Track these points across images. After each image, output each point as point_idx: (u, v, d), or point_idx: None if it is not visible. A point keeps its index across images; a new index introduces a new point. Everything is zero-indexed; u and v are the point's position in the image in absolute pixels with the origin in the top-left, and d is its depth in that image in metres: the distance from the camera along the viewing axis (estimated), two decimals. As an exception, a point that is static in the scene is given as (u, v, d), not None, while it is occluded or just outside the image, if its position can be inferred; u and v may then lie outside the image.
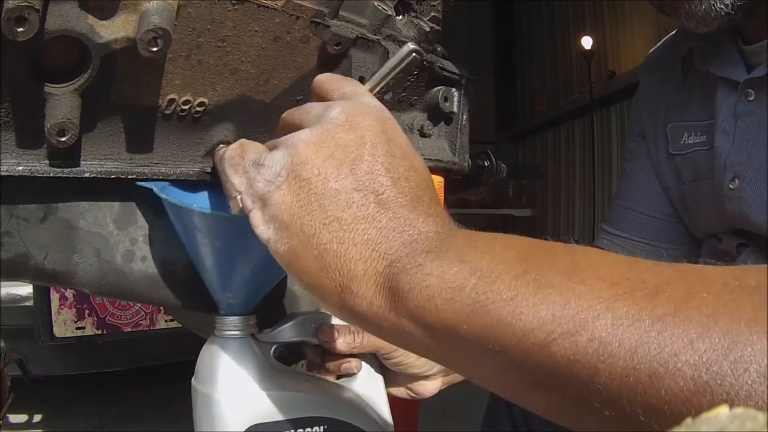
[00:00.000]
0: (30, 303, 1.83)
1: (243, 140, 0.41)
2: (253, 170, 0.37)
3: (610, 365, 0.26)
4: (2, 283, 1.84)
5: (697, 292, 0.26)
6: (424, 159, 0.60)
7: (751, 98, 0.70)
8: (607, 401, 0.26)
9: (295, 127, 0.39)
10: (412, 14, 0.56)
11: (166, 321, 1.91)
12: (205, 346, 0.47)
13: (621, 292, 0.27)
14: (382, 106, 0.39)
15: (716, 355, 0.24)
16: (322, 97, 0.41)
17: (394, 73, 0.43)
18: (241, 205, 0.37)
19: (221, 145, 0.46)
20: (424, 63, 0.56)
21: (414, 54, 0.42)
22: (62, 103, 0.37)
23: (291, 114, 0.41)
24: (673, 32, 0.88)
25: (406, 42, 0.45)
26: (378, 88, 0.43)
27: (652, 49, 0.93)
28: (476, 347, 0.30)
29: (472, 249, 0.32)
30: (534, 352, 0.28)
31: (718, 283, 0.26)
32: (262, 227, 0.36)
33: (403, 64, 0.43)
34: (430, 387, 0.58)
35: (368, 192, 0.35)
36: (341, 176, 0.35)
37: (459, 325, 0.30)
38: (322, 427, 0.47)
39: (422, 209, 0.35)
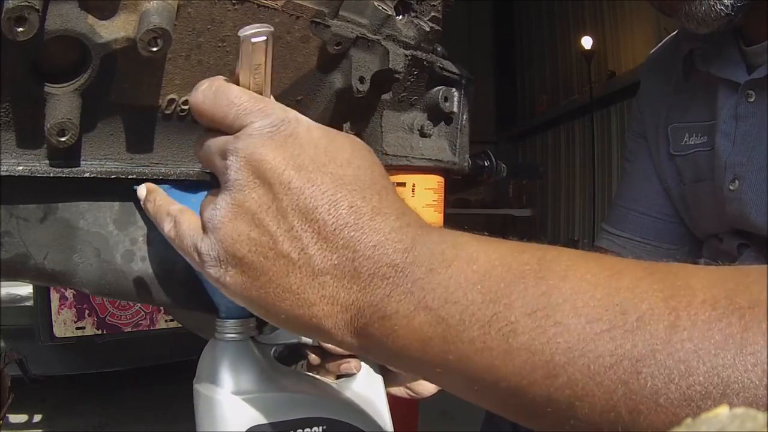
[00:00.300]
0: (30, 303, 1.83)
1: (175, 215, 0.38)
2: (197, 257, 0.35)
3: (588, 404, 0.26)
4: (2, 283, 1.84)
5: (682, 322, 0.25)
6: (424, 159, 0.60)
7: (752, 99, 0.70)
8: (588, 430, 0.26)
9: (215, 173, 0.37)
10: (412, 14, 0.55)
11: (166, 321, 1.91)
12: (205, 348, 0.47)
13: (599, 331, 0.26)
14: (273, 119, 0.34)
15: (699, 391, 0.24)
16: (210, 128, 0.37)
17: (253, 66, 0.37)
18: None
19: (140, 188, 0.42)
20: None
21: (252, 41, 0.36)
22: (62, 103, 0.37)
23: (200, 156, 0.38)
24: (674, 33, 0.88)
25: (406, 42, 0.41)
26: (251, 87, 0.37)
27: (653, 50, 0.93)
28: (455, 383, 0.31)
29: (435, 286, 0.30)
30: (511, 394, 0.28)
31: (707, 307, 0.25)
32: (233, 300, 0.36)
33: (250, 56, 0.37)
34: (429, 387, 0.58)
35: (303, 247, 0.32)
36: (270, 242, 0.33)
37: (435, 369, 0.31)
38: (321, 428, 0.47)
39: (366, 238, 0.32)
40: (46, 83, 0.37)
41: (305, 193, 0.32)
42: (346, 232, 0.32)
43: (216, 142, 0.36)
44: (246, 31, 0.36)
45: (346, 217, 0.32)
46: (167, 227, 0.38)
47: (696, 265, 0.28)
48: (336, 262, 0.32)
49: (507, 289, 0.28)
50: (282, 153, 0.33)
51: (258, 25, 0.37)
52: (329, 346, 0.51)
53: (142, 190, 0.41)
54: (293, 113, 0.36)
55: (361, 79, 0.51)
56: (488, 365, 0.28)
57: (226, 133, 0.36)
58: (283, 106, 0.36)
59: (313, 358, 0.54)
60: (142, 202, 0.41)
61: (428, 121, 0.61)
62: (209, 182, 0.48)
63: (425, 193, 0.61)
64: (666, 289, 0.26)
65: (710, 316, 0.25)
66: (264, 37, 0.36)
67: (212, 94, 0.36)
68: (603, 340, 0.26)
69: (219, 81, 0.37)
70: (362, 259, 0.31)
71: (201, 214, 0.36)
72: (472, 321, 0.28)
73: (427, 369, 0.31)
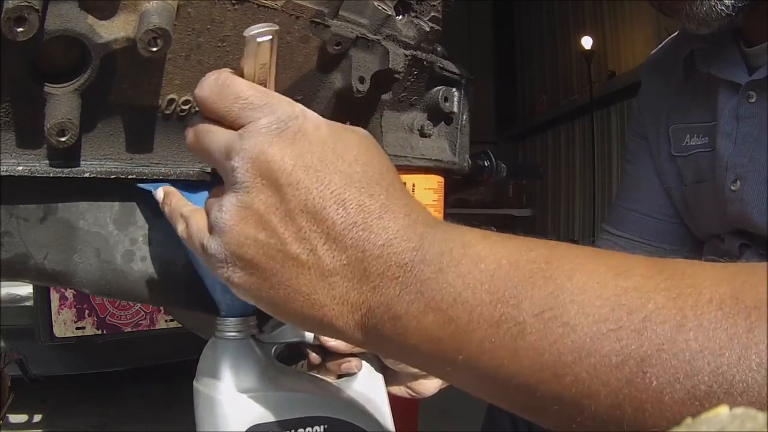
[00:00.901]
0: (30, 303, 1.83)
1: (187, 216, 0.37)
2: (205, 257, 0.35)
3: (594, 402, 0.26)
4: (2, 283, 1.84)
5: (689, 321, 0.25)
6: (424, 159, 0.60)
7: (753, 100, 0.70)
8: (595, 428, 0.27)
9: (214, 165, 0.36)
10: (412, 14, 0.55)
11: (166, 321, 1.91)
12: (206, 347, 0.47)
13: (606, 330, 0.26)
14: (281, 113, 0.34)
15: (704, 390, 0.24)
16: (216, 122, 0.36)
17: (258, 65, 0.37)
18: None
19: (158, 191, 0.43)
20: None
21: (258, 40, 0.36)
22: (62, 103, 0.37)
23: (197, 149, 0.37)
24: (674, 34, 0.88)
25: (407, 42, 0.42)
26: (257, 81, 0.37)
27: (653, 51, 0.93)
28: (464, 381, 0.32)
29: (444, 286, 0.30)
30: (520, 391, 0.29)
31: (713, 307, 0.25)
32: (244, 298, 0.35)
33: (255, 55, 0.37)
34: (430, 386, 0.58)
35: (312, 248, 0.32)
36: (279, 245, 0.32)
37: (445, 368, 0.31)
38: (322, 427, 0.47)
39: (375, 237, 0.32)
40: (46, 83, 0.37)
41: (313, 193, 0.32)
42: (354, 231, 0.32)
43: (219, 139, 0.35)
44: (251, 30, 0.36)
45: (355, 216, 0.32)
46: (180, 228, 0.38)
47: (704, 263, 0.28)
48: (345, 263, 0.32)
49: (515, 289, 0.29)
50: (290, 152, 0.33)
51: (263, 24, 0.37)
52: (331, 344, 0.51)
53: (159, 193, 0.41)
54: (299, 108, 0.35)
55: (361, 79, 0.51)
56: (497, 365, 0.29)
57: (230, 128, 0.35)
58: (290, 100, 0.36)
59: (314, 357, 0.54)
60: (160, 205, 0.41)
61: (428, 121, 0.61)
62: (209, 182, 0.48)
63: (425, 193, 0.61)
64: (673, 288, 0.26)
65: (716, 315, 0.25)
66: (269, 37, 0.37)
67: (218, 87, 0.35)
68: (609, 339, 0.26)
69: (225, 74, 0.36)
70: (371, 258, 0.32)
71: (207, 215, 0.36)
72: (481, 321, 0.29)
73: (438, 367, 0.32)
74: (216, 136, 0.35)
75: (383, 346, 0.33)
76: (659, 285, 0.27)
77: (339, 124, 0.36)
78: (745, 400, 0.23)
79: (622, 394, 0.25)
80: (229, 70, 0.37)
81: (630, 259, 0.29)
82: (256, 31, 0.36)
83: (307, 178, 0.32)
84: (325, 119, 0.36)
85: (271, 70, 0.38)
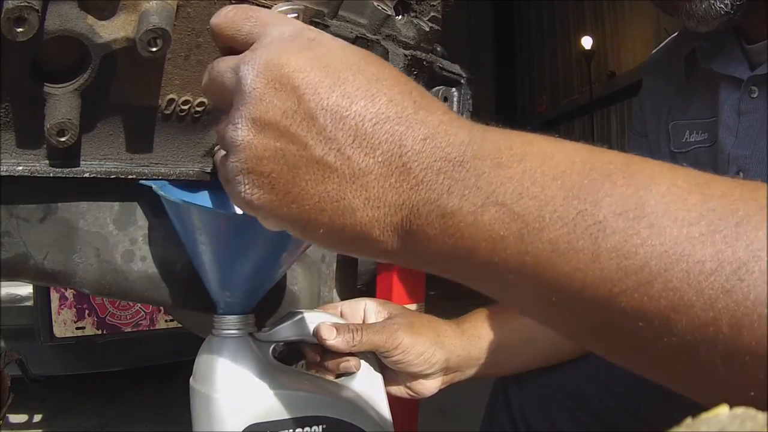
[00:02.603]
0: (30, 303, 1.83)
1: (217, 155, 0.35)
2: (227, 184, 0.33)
3: (686, 315, 0.23)
4: (2, 283, 1.84)
5: None
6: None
7: (755, 95, 0.70)
8: (680, 352, 0.24)
9: (224, 98, 0.33)
10: (412, 14, 0.56)
11: (166, 321, 1.91)
12: (203, 345, 0.47)
13: (698, 234, 0.23)
14: (294, 25, 0.32)
15: None
16: (227, 47, 0.34)
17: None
18: None
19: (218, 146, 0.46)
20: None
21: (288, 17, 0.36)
22: (62, 103, 0.37)
23: (207, 88, 0.34)
24: (675, 34, 0.88)
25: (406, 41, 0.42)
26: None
27: (655, 50, 0.93)
28: (528, 294, 0.27)
29: (505, 180, 0.26)
30: (597, 304, 0.25)
31: None
32: (266, 226, 0.33)
33: None
34: (429, 386, 0.58)
35: (339, 148, 0.29)
36: (301, 150, 0.29)
37: (506, 275, 0.27)
38: (321, 426, 0.47)
39: (413, 131, 0.28)
40: (46, 83, 0.37)
41: (336, 91, 0.29)
42: (388, 126, 0.28)
43: (227, 60, 0.32)
44: (280, 7, 0.36)
45: (386, 110, 0.29)
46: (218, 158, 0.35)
47: None
48: (380, 160, 0.28)
49: (592, 186, 0.25)
50: (306, 54, 0.30)
51: (291, 2, 0.37)
52: (329, 343, 0.51)
53: None
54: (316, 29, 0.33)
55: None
56: (572, 270, 0.25)
57: (242, 50, 0.32)
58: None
59: (313, 356, 0.54)
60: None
61: (428, 121, 0.61)
62: (209, 182, 0.48)
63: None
64: (760, 198, 0.24)
65: None
66: (296, 15, 0.36)
67: (232, 11, 0.33)
68: (702, 244, 0.23)
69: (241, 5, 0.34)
70: (411, 153, 0.28)
71: (222, 139, 0.33)
72: (554, 218, 0.25)
73: (497, 275, 0.27)
74: (227, 60, 0.33)
75: (428, 253, 0.29)
76: (745, 194, 0.24)
77: None
78: None
79: (718, 305, 0.22)
80: None
81: (705, 174, 0.26)
82: (284, 8, 0.36)
83: (328, 78, 0.29)
84: None
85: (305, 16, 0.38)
